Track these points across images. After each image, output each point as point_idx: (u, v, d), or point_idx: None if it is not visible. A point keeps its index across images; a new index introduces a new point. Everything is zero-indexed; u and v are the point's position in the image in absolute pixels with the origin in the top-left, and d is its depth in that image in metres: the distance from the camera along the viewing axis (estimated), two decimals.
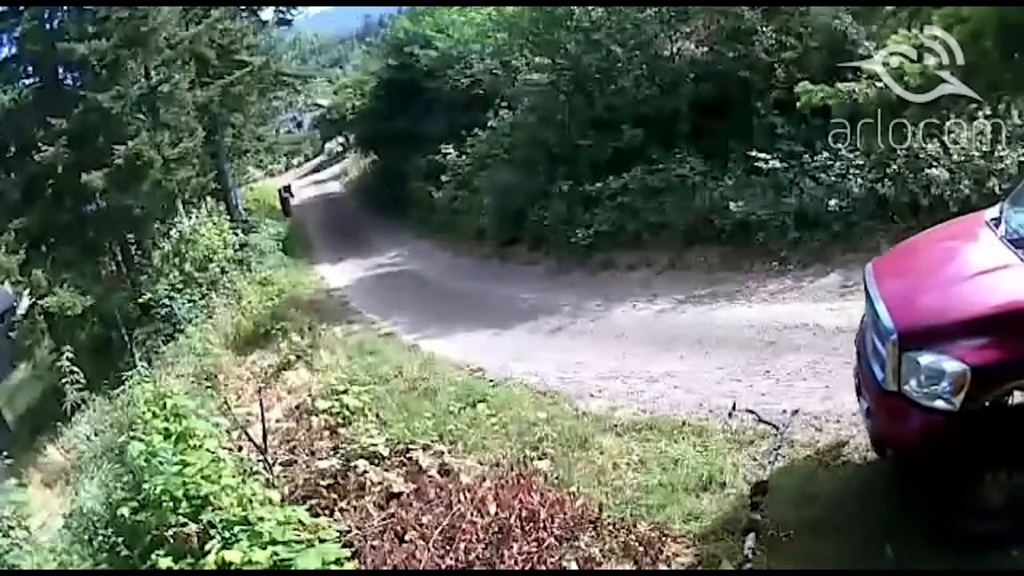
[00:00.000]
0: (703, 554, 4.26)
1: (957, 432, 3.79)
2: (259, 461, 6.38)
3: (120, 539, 5.00)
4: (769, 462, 3.51)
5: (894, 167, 8.33)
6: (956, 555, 3.76)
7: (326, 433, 7.39)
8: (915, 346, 3.90)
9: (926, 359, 3.83)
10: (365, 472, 6.25)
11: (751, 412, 4.39)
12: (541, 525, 4.77)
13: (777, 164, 9.38)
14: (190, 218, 17.87)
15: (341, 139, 40.57)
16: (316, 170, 41.24)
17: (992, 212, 4.83)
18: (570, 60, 12.48)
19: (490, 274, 12.68)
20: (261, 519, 4.34)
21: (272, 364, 10.24)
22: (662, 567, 4.40)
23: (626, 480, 5.20)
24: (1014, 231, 4.42)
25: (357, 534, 5.43)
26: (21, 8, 16.45)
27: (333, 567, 4.06)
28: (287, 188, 29.51)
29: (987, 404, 3.72)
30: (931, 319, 4.08)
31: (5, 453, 11.81)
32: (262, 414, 6.77)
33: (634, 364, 7.19)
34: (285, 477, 6.65)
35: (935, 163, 8.04)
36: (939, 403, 3.80)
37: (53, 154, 15.50)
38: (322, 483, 6.38)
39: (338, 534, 4.79)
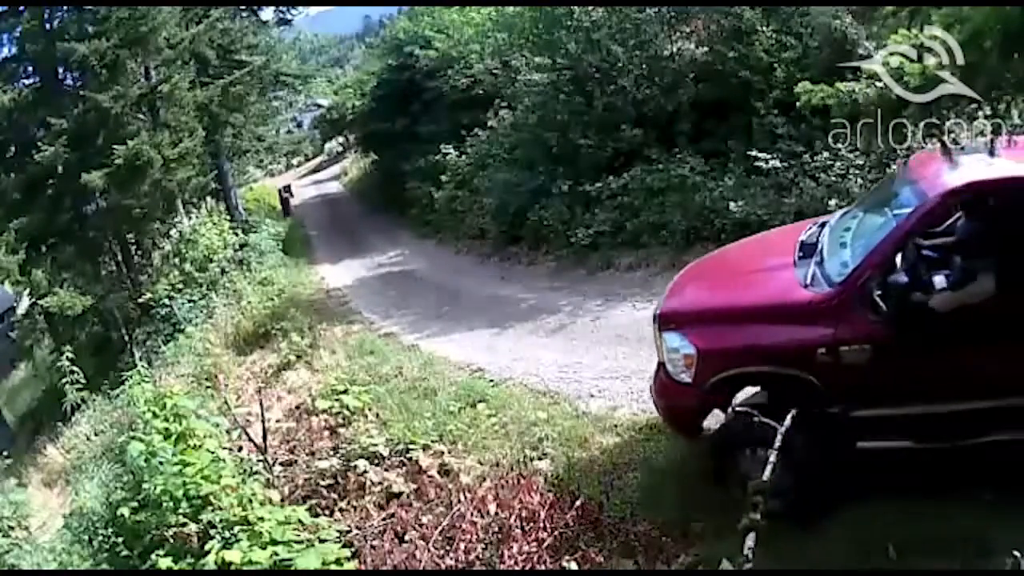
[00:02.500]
0: (703, 554, 4.26)
1: (698, 405, 4.52)
2: (259, 461, 6.39)
3: (120, 539, 5.01)
4: (769, 461, 3.55)
5: (894, 167, 8.33)
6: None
7: (326, 433, 7.40)
8: (667, 327, 4.66)
9: (670, 339, 4.60)
10: (365, 472, 6.26)
11: (751, 411, 4.45)
12: (541, 525, 4.78)
13: (777, 164, 9.38)
14: (190, 218, 17.88)
15: (341, 139, 40.60)
16: (316, 170, 41.22)
17: (833, 216, 5.19)
18: (570, 60, 12.47)
19: (490, 274, 12.67)
20: (261, 519, 4.36)
21: (272, 364, 10.23)
22: (662, 567, 4.41)
23: (626, 480, 5.20)
24: (814, 235, 4.87)
25: (357, 534, 5.44)
26: (21, 8, 16.44)
27: (333, 567, 4.07)
28: (287, 188, 29.48)
29: (719, 381, 4.40)
30: (681, 306, 4.88)
31: (5, 453, 11.83)
32: (262, 414, 6.78)
33: (634, 364, 7.18)
34: (285, 477, 6.66)
35: None
36: (683, 376, 4.53)
37: (53, 154, 15.47)
38: (322, 483, 6.40)
39: (338, 534, 4.81)
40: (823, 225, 4.98)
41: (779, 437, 3.50)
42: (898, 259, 4.33)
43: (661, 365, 4.78)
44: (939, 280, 4.19)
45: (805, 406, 4.20)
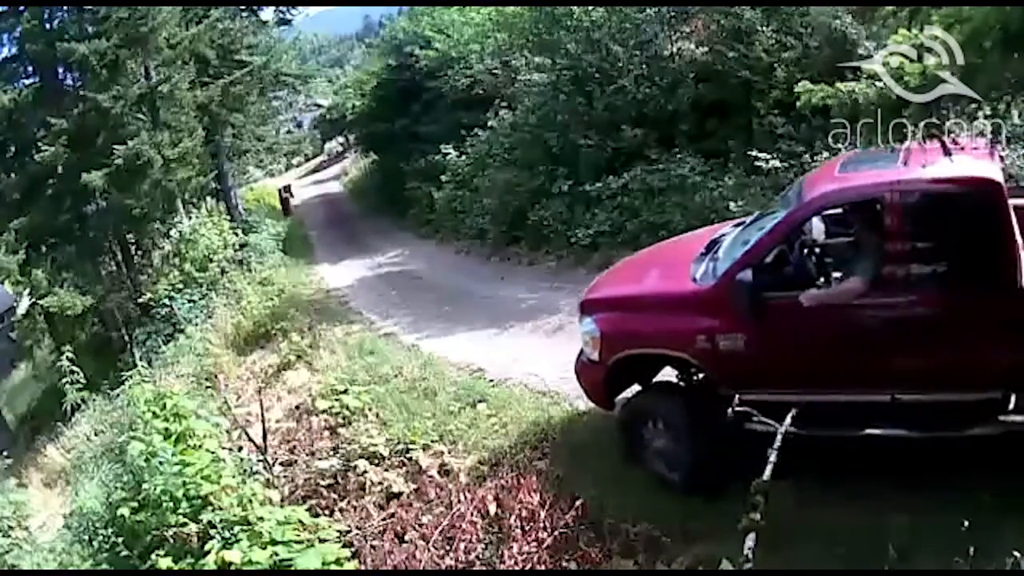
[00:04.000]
0: (703, 554, 4.26)
1: (605, 380, 5.10)
2: (259, 461, 6.40)
3: (120, 539, 5.01)
4: (769, 462, 3.58)
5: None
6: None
7: (326, 433, 7.41)
8: (585, 312, 5.28)
9: (585, 323, 5.22)
10: (365, 472, 6.27)
11: (750, 411, 4.51)
12: (541, 525, 4.78)
13: (777, 164, 9.37)
14: (190, 218, 17.86)
15: (341, 139, 40.61)
16: (316, 170, 41.22)
17: (750, 217, 5.56)
18: (570, 60, 12.47)
19: (490, 274, 12.66)
20: (261, 519, 4.36)
21: (272, 364, 10.23)
22: (662, 567, 4.41)
23: (626, 479, 5.20)
24: (725, 234, 5.27)
25: (357, 534, 5.45)
26: (21, 8, 16.44)
27: (333, 567, 4.07)
28: (287, 188, 29.50)
29: (621, 360, 4.93)
30: (596, 295, 5.47)
31: (5, 453, 11.82)
32: (262, 414, 6.78)
33: None
34: (285, 477, 6.67)
35: None
36: (593, 356, 5.12)
37: (53, 154, 15.47)
38: (322, 483, 6.40)
39: (338, 534, 4.81)
40: (739, 225, 5.38)
41: (778, 437, 3.51)
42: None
43: (582, 349, 5.41)
44: (837, 278, 4.56)
45: (695, 389, 4.88)
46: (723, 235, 5.29)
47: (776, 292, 4.39)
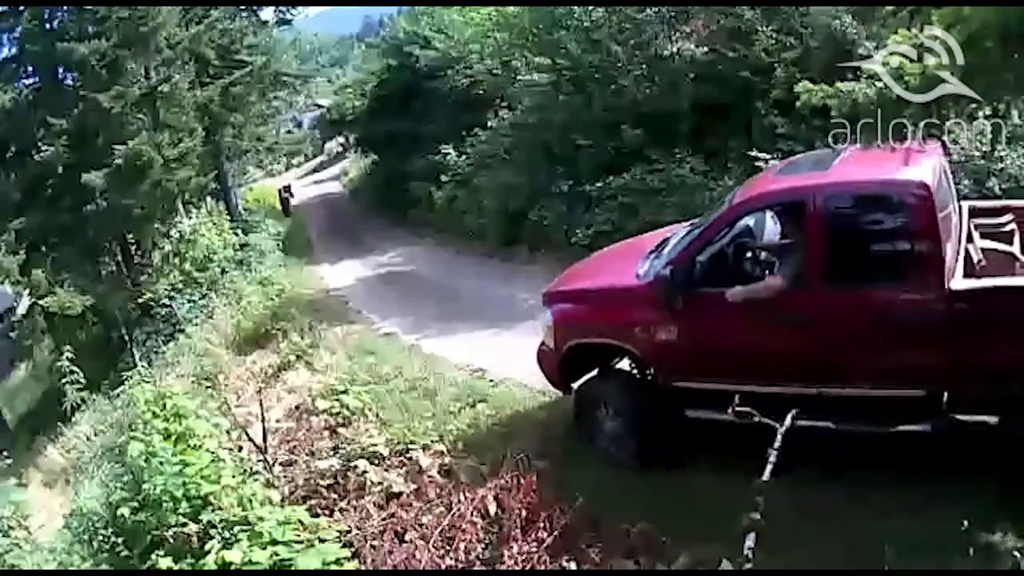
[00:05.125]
0: (703, 554, 4.26)
1: (559, 365, 5.51)
2: (259, 461, 6.39)
3: (120, 539, 5.00)
4: (769, 462, 3.60)
5: None
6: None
7: (326, 433, 7.40)
8: (546, 304, 5.75)
9: (546, 313, 5.66)
10: (365, 472, 6.26)
11: (751, 410, 4.53)
12: (541, 525, 4.78)
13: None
14: (190, 218, 17.87)
15: (341, 139, 40.60)
16: (316, 170, 41.22)
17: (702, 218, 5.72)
18: (570, 60, 12.47)
19: (490, 274, 12.65)
20: (261, 519, 4.36)
21: (272, 364, 10.22)
22: (662, 567, 4.41)
23: (627, 479, 5.20)
24: (676, 234, 5.51)
25: (357, 534, 5.44)
26: (21, 8, 16.45)
27: (333, 567, 4.07)
28: (287, 188, 29.49)
29: (573, 348, 5.30)
30: (556, 287, 5.93)
31: (5, 453, 11.83)
32: (262, 414, 6.78)
33: None
34: (285, 477, 6.66)
35: None
36: (549, 343, 5.57)
37: (53, 154, 15.51)
38: (322, 483, 6.39)
39: (338, 534, 4.81)
40: (689, 225, 5.55)
41: (779, 437, 3.51)
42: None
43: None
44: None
45: (641, 376, 5.20)
46: (673, 235, 5.51)
47: (708, 288, 4.63)
